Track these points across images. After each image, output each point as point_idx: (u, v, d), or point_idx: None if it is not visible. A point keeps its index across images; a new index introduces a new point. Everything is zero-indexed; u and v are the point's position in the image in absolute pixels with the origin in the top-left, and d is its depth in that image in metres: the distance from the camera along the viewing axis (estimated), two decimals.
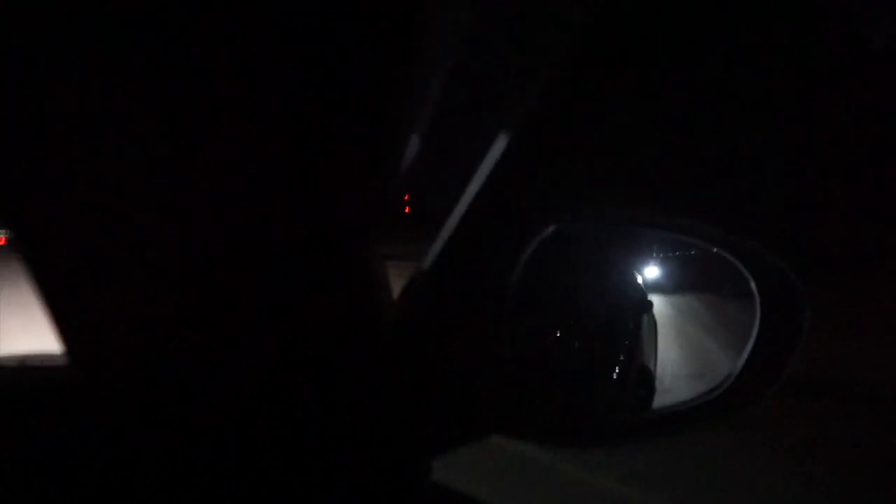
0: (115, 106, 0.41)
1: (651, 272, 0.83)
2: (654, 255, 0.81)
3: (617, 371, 0.78)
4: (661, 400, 0.78)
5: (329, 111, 0.43)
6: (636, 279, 0.83)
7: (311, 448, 0.54)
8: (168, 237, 0.45)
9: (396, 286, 0.61)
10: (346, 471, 0.55)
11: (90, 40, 0.39)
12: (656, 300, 0.84)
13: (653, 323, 0.88)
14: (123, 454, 0.51)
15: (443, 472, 0.59)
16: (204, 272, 0.47)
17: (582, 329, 0.74)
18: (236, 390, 0.51)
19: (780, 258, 0.60)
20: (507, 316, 0.63)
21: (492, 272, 0.61)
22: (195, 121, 0.43)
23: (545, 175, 0.60)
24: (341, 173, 0.46)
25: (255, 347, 0.50)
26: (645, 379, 0.81)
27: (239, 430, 0.52)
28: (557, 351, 0.70)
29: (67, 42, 0.39)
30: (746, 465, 3.01)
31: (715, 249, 0.63)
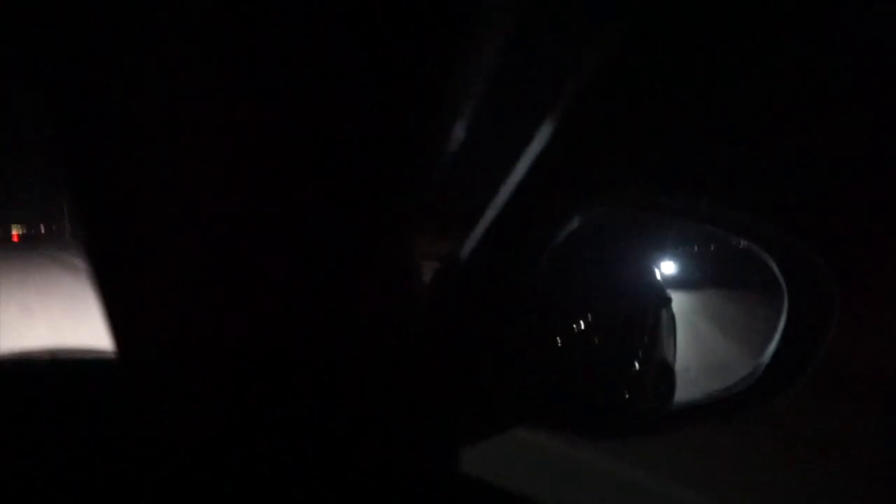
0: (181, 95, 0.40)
1: (668, 267, 0.83)
2: (673, 250, 0.81)
3: (638, 365, 0.78)
4: (681, 394, 0.78)
5: (370, 103, 0.43)
6: (655, 274, 0.83)
7: (342, 439, 0.53)
8: (212, 232, 0.45)
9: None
10: (375, 461, 0.55)
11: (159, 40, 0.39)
12: (674, 296, 0.84)
13: (672, 318, 0.87)
14: (160, 447, 0.51)
15: (470, 464, 0.58)
16: (241, 265, 0.46)
17: (604, 322, 0.74)
18: (273, 383, 0.51)
19: (810, 250, 0.60)
20: (534, 308, 0.62)
21: (520, 264, 0.61)
22: (244, 113, 0.42)
23: (574, 167, 0.60)
24: (378, 164, 0.46)
25: (292, 339, 0.49)
26: (665, 374, 0.81)
27: (273, 422, 0.52)
28: (581, 343, 0.70)
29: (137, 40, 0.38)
30: (757, 458, 3.02)
31: (742, 242, 0.63)
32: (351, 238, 0.48)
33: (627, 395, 0.74)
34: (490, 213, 0.57)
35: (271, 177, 0.44)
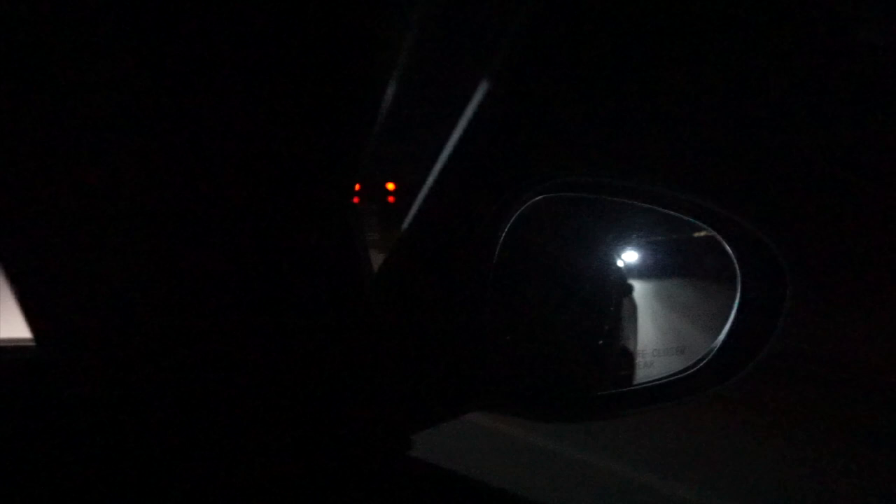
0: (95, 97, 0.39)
1: (630, 256, 0.83)
2: (635, 237, 0.81)
3: (598, 349, 0.77)
4: (640, 378, 0.77)
5: (300, 94, 0.42)
6: (617, 262, 0.83)
7: (289, 422, 0.52)
8: (144, 219, 0.44)
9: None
10: (325, 445, 0.54)
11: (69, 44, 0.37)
12: (636, 284, 0.84)
13: (633, 306, 0.87)
14: (98, 439, 0.49)
15: (423, 448, 0.58)
16: (182, 252, 0.45)
17: (563, 306, 0.73)
18: (218, 365, 0.50)
19: (762, 233, 0.60)
20: (489, 290, 0.62)
21: (472, 245, 0.60)
22: (175, 108, 0.41)
23: (523, 147, 0.60)
24: (313, 152, 0.45)
25: (234, 324, 0.48)
26: (625, 359, 0.81)
27: (217, 404, 0.50)
28: (539, 326, 0.70)
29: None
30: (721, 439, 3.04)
31: (696, 222, 0.63)
32: (281, 226, 0.47)
33: (588, 380, 0.74)
34: (430, 190, 0.56)
35: (193, 169, 0.43)
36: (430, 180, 0.59)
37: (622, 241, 0.82)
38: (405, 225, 0.60)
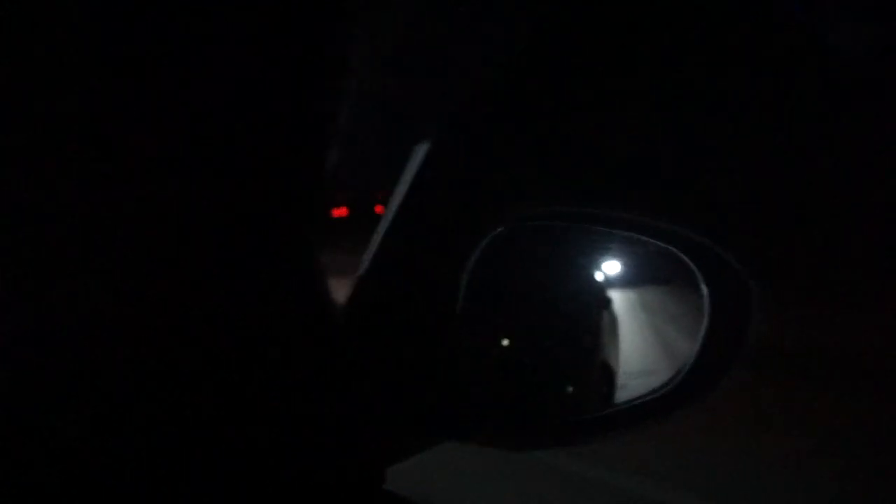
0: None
1: (612, 267, 0.83)
2: (614, 250, 0.81)
3: (576, 370, 0.78)
4: (622, 394, 0.78)
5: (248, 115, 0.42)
6: (594, 276, 0.83)
7: (255, 458, 0.52)
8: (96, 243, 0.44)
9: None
10: (294, 481, 0.54)
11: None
12: (619, 294, 0.84)
13: (612, 319, 0.87)
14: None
15: (397, 481, 0.58)
16: (131, 276, 0.45)
17: (539, 329, 0.74)
18: (173, 401, 0.50)
19: (728, 251, 0.60)
20: (459, 318, 0.62)
21: (439, 274, 0.60)
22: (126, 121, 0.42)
23: (489, 175, 0.60)
24: (264, 174, 0.45)
25: (188, 360, 0.48)
26: (606, 376, 0.81)
27: (176, 442, 0.51)
28: (514, 352, 0.70)
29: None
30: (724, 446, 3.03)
31: (663, 245, 0.63)
32: (243, 247, 0.47)
33: (566, 402, 0.74)
34: (401, 224, 0.57)
35: (156, 184, 0.43)
36: (392, 209, 0.59)
37: (600, 253, 0.82)
38: (370, 255, 0.60)
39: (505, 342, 0.70)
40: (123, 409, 0.47)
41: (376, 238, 0.60)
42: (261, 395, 0.52)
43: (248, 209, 0.47)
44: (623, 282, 0.84)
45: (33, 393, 0.45)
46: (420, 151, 0.56)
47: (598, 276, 0.83)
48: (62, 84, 0.39)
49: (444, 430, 0.61)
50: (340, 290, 0.61)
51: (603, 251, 0.81)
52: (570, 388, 0.76)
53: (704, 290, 0.62)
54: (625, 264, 0.83)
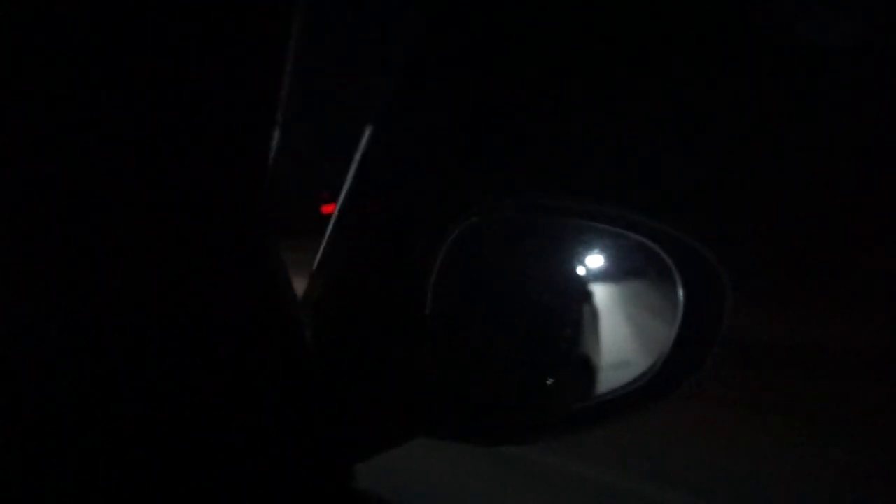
0: None
1: (595, 261, 0.82)
2: (594, 244, 0.80)
3: (555, 363, 0.77)
4: (601, 386, 0.77)
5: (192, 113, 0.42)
6: (575, 270, 0.82)
7: (224, 456, 0.52)
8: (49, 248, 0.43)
9: None
10: (262, 478, 0.53)
11: None
12: (602, 288, 0.83)
13: (593, 312, 0.86)
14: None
15: (368, 478, 0.57)
16: (90, 278, 0.44)
17: (516, 323, 0.73)
18: (142, 401, 0.49)
19: (698, 241, 0.59)
20: (431, 312, 0.61)
21: (408, 267, 0.59)
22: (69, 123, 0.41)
23: (455, 168, 0.59)
24: (213, 174, 0.44)
25: (157, 358, 0.48)
26: (585, 369, 0.80)
27: (148, 440, 0.50)
28: (489, 346, 0.69)
29: None
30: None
31: (633, 235, 0.62)
32: (195, 245, 0.46)
33: (544, 395, 0.73)
34: (354, 216, 0.56)
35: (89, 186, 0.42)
36: (346, 193, 0.58)
37: (583, 247, 0.81)
38: (331, 244, 0.59)
39: (479, 337, 0.69)
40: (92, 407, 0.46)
41: (332, 233, 0.59)
42: (228, 392, 0.51)
43: (198, 212, 0.46)
44: (604, 276, 0.83)
45: (22, 394, 0.44)
46: (366, 139, 0.55)
47: (580, 271, 0.82)
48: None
49: (415, 426, 0.60)
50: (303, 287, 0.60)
51: (584, 245, 0.80)
52: (549, 382, 0.75)
53: (678, 280, 0.61)
54: (607, 258, 0.82)
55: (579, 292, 0.82)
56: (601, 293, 0.84)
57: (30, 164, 0.40)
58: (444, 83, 0.55)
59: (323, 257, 0.57)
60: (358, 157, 0.54)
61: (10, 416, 0.43)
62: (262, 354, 0.53)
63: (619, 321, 0.89)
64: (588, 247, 0.80)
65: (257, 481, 0.53)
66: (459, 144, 0.58)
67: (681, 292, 0.61)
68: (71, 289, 0.43)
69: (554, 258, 0.79)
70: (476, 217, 0.60)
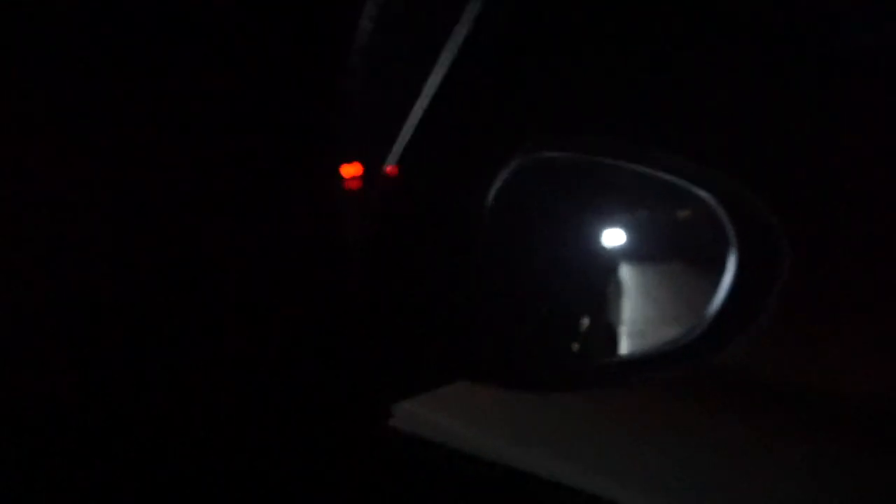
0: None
1: (615, 237, 0.81)
2: (619, 216, 0.79)
3: (587, 322, 0.75)
4: (631, 346, 0.76)
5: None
6: (601, 240, 0.81)
7: (265, 392, 0.49)
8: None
9: None
10: (302, 415, 0.50)
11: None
12: (622, 265, 0.83)
13: (618, 284, 0.85)
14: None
15: (405, 418, 0.55)
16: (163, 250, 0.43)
17: (550, 277, 0.71)
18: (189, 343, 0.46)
19: (761, 202, 0.58)
20: (475, 258, 0.59)
21: (456, 214, 0.57)
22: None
23: (510, 103, 0.58)
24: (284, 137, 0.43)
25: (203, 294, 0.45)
26: (611, 335, 0.79)
27: (191, 380, 0.47)
28: (526, 296, 0.67)
29: None
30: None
31: (688, 183, 0.61)
32: (259, 212, 0.45)
33: (576, 350, 0.72)
34: (411, 164, 0.54)
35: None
36: (402, 150, 0.56)
37: (607, 217, 0.80)
38: (383, 197, 0.58)
39: (517, 286, 0.67)
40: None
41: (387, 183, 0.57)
42: (273, 330, 0.49)
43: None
44: (629, 255, 0.83)
45: (33, 390, 0.42)
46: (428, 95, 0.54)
47: (608, 240, 0.82)
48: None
49: (455, 368, 0.58)
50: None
51: (616, 207, 0.79)
52: (577, 338, 0.73)
53: (733, 238, 0.59)
54: (631, 235, 0.81)
55: (606, 260, 0.81)
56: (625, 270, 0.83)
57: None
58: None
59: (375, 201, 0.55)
60: (420, 112, 0.53)
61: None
62: (310, 291, 0.51)
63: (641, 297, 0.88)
64: (620, 216, 0.79)
65: (298, 418, 0.51)
66: (520, 81, 0.57)
67: (734, 254, 0.60)
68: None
69: (589, 222, 0.78)
70: (530, 154, 0.59)
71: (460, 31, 0.55)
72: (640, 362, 0.64)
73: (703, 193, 0.60)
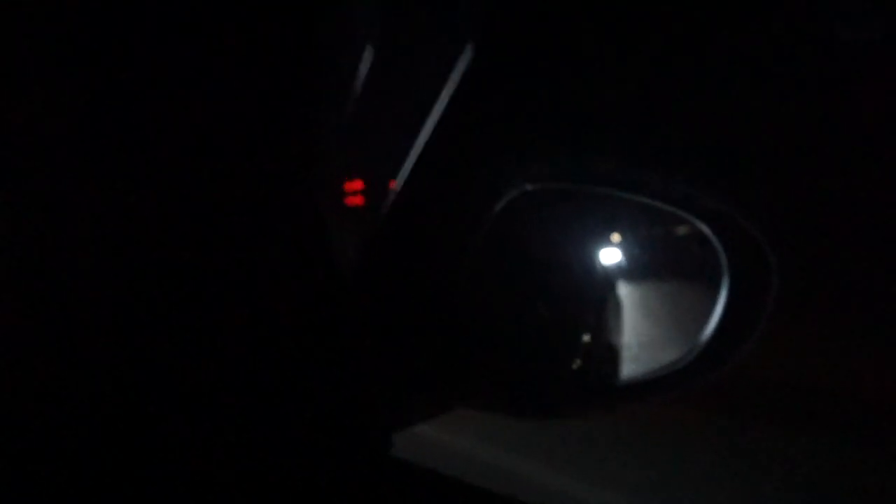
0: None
1: (612, 256, 0.82)
2: (616, 237, 0.80)
3: (584, 343, 0.76)
4: (628, 371, 0.76)
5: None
6: (599, 260, 0.82)
7: (263, 419, 0.50)
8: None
9: None
10: (301, 446, 0.51)
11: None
12: (619, 284, 0.83)
13: (617, 303, 0.86)
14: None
15: (406, 448, 0.55)
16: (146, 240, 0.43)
17: (548, 301, 0.72)
18: (183, 362, 0.47)
19: (750, 222, 0.59)
20: (473, 285, 0.60)
21: (453, 240, 0.58)
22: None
23: (504, 138, 0.59)
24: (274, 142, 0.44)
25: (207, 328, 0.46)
26: (610, 355, 0.80)
27: (187, 402, 0.48)
28: (524, 319, 0.68)
29: None
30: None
31: (676, 209, 0.62)
32: (246, 225, 0.46)
33: (573, 372, 0.73)
34: (409, 191, 0.55)
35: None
36: (406, 171, 0.57)
37: (603, 238, 0.80)
38: (382, 219, 0.59)
39: (515, 308, 0.68)
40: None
41: (388, 200, 0.58)
42: (270, 358, 0.49)
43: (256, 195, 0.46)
44: (627, 272, 0.83)
45: (37, 392, 0.43)
46: (431, 121, 0.54)
47: (605, 260, 0.82)
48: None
49: (453, 396, 0.59)
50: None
51: (612, 228, 0.79)
52: (576, 361, 0.74)
53: (723, 259, 0.60)
54: (625, 253, 0.82)
55: (604, 280, 0.82)
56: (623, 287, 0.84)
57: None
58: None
59: (370, 228, 0.56)
60: (423, 141, 0.54)
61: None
62: (304, 319, 0.51)
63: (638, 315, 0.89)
64: (616, 243, 0.80)
65: (295, 448, 0.51)
66: (508, 132, 0.58)
67: (726, 276, 0.61)
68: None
69: (586, 244, 0.79)
70: (522, 187, 0.60)
71: (464, 59, 0.56)
72: (641, 385, 0.65)
73: (691, 218, 0.61)
